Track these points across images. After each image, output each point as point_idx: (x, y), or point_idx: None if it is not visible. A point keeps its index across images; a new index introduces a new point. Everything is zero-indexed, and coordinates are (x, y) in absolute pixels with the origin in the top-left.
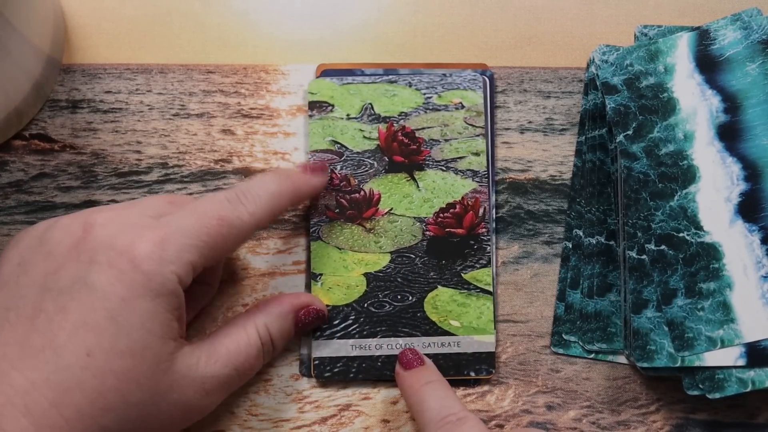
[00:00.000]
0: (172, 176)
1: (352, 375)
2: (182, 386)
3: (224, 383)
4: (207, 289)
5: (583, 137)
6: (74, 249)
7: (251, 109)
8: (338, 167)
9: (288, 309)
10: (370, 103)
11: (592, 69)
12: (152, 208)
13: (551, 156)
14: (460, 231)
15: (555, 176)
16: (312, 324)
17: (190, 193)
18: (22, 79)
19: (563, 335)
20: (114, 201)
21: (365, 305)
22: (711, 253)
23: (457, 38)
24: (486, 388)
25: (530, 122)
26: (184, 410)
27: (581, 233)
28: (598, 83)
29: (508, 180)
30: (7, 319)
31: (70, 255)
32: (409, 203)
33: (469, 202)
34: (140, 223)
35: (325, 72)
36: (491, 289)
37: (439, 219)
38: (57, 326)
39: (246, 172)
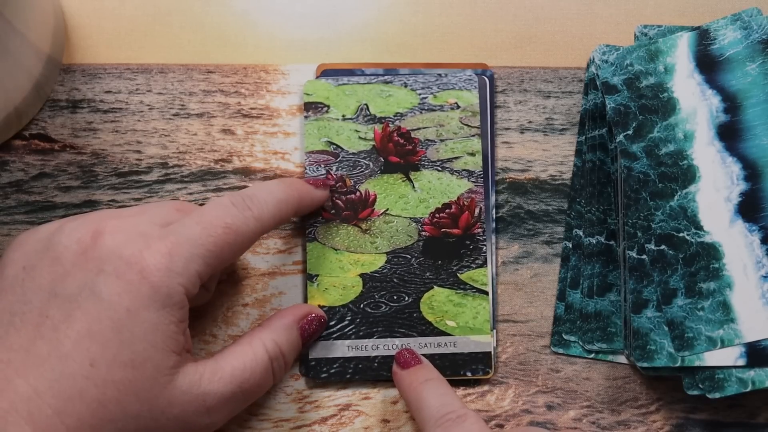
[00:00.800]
0: (172, 176)
1: (348, 376)
2: (183, 402)
3: (227, 401)
4: (203, 293)
5: (583, 137)
6: (82, 256)
7: (251, 108)
8: (334, 168)
9: (291, 320)
10: (366, 104)
11: (592, 69)
12: (160, 216)
13: (551, 156)
14: (455, 231)
15: (555, 176)
16: (316, 332)
17: (190, 193)
18: (22, 79)
19: (563, 335)
20: (114, 201)
21: (361, 306)
22: (711, 253)
23: (457, 38)
24: (486, 387)
25: (530, 122)
26: (185, 428)
27: (581, 233)
28: (598, 83)
29: (508, 180)
30: (12, 324)
31: (77, 262)
32: (404, 204)
33: (465, 202)
34: (148, 232)
35: (325, 72)
36: (487, 289)
37: (435, 219)
38: (62, 334)
39: (246, 172)
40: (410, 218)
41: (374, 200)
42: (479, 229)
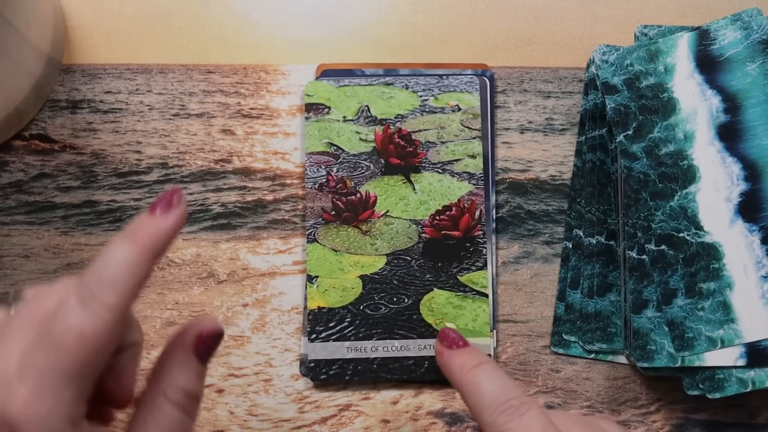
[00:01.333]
0: (172, 176)
1: (347, 377)
2: None
3: None
4: (132, 351)
5: (583, 137)
6: None
7: (251, 109)
8: (334, 169)
9: (182, 354)
10: (367, 105)
11: (592, 69)
12: (21, 338)
13: (551, 156)
14: (456, 233)
15: (555, 176)
16: (214, 347)
17: (190, 193)
18: (22, 79)
19: (563, 335)
20: (114, 201)
21: (361, 307)
22: (711, 253)
23: (457, 38)
24: None
25: (530, 122)
26: None
27: (581, 233)
28: (598, 83)
29: (508, 180)
30: None
31: None
32: (405, 205)
33: (465, 205)
34: (7, 371)
35: (326, 72)
36: (487, 292)
37: (435, 221)
38: None
39: (246, 172)
40: (410, 220)
41: (375, 202)
42: (479, 232)
